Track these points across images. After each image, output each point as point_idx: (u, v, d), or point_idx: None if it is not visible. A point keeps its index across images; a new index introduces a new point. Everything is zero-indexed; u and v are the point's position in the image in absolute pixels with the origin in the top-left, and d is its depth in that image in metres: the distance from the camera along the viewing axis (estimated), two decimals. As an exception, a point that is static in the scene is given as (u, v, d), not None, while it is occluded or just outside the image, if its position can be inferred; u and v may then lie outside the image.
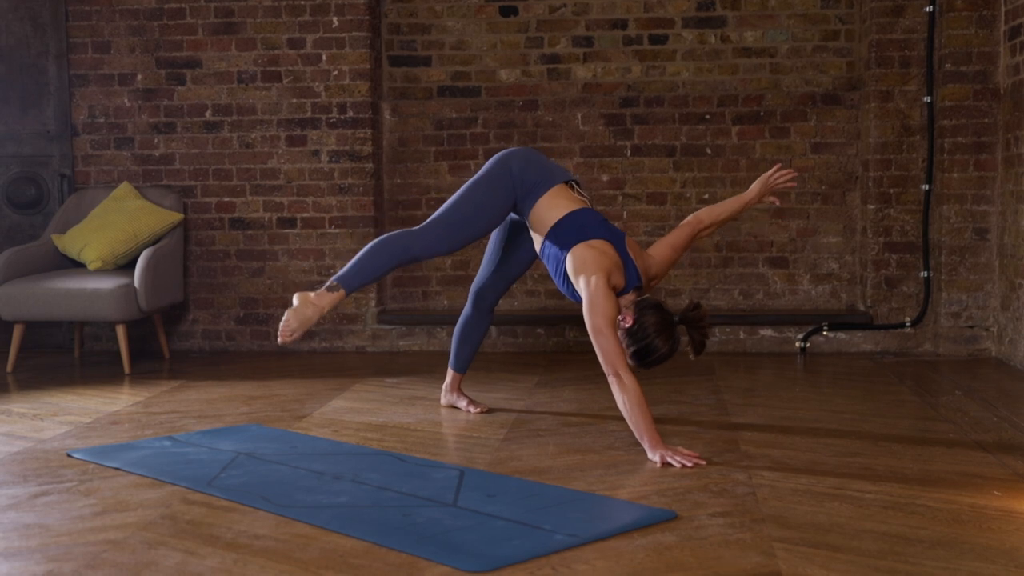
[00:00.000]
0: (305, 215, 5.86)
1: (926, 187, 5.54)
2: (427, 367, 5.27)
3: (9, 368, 5.25)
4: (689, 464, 3.28)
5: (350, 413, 4.20)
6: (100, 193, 5.75)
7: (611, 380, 3.40)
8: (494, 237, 4.04)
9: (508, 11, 5.95)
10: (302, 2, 5.80)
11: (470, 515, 2.80)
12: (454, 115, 5.91)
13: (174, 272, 5.57)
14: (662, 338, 3.45)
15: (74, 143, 5.95)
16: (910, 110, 5.55)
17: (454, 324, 4.29)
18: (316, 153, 5.83)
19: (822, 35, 5.82)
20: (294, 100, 5.83)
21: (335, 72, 5.80)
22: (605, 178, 5.84)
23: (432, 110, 5.92)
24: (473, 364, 4.87)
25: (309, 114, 5.82)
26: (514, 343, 5.82)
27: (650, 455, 3.36)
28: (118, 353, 5.54)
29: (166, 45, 5.87)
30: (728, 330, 5.68)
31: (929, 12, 5.47)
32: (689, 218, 3.81)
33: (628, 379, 3.36)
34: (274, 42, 5.82)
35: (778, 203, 3.93)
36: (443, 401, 4.30)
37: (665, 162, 5.82)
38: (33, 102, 5.95)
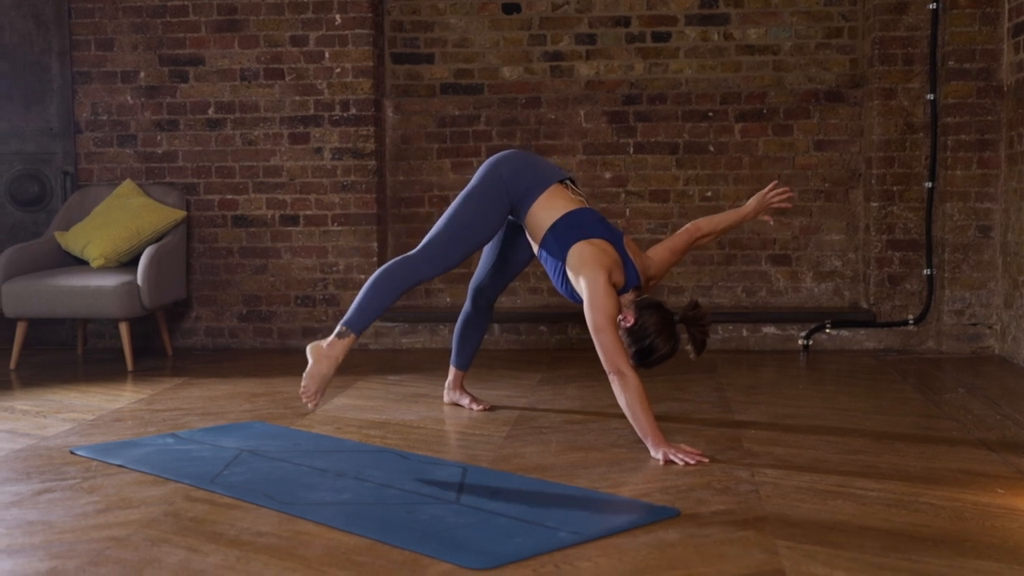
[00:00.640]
0: (308, 212, 5.86)
1: (929, 184, 5.53)
2: (429, 364, 5.27)
3: (12, 365, 5.26)
4: (692, 462, 3.28)
5: (353, 410, 4.20)
6: (103, 190, 5.76)
7: (612, 378, 3.40)
8: (492, 235, 4.03)
9: (511, 8, 5.95)
10: (305, -1, 5.81)
11: (473, 512, 2.80)
12: (457, 112, 5.90)
13: (177, 269, 5.58)
14: (663, 338, 3.45)
15: (77, 140, 5.95)
16: (913, 107, 5.54)
17: (456, 321, 4.29)
18: (319, 150, 5.83)
19: (825, 32, 5.81)
20: (297, 97, 5.83)
21: (338, 69, 5.80)
22: (608, 176, 5.84)
23: (435, 108, 5.91)
24: (476, 361, 4.87)
25: (312, 111, 5.82)
26: (517, 340, 5.82)
27: (653, 452, 3.36)
28: (121, 350, 5.54)
29: (169, 42, 5.87)
30: (731, 327, 5.67)
31: (932, 9, 5.46)
32: (688, 225, 3.87)
33: (630, 376, 3.36)
34: (277, 39, 5.82)
35: (772, 222, 4.01)
36: (446, 398, 4.30)
37: (668, 160, 5.82)
38: (36, 99, 5.95)
